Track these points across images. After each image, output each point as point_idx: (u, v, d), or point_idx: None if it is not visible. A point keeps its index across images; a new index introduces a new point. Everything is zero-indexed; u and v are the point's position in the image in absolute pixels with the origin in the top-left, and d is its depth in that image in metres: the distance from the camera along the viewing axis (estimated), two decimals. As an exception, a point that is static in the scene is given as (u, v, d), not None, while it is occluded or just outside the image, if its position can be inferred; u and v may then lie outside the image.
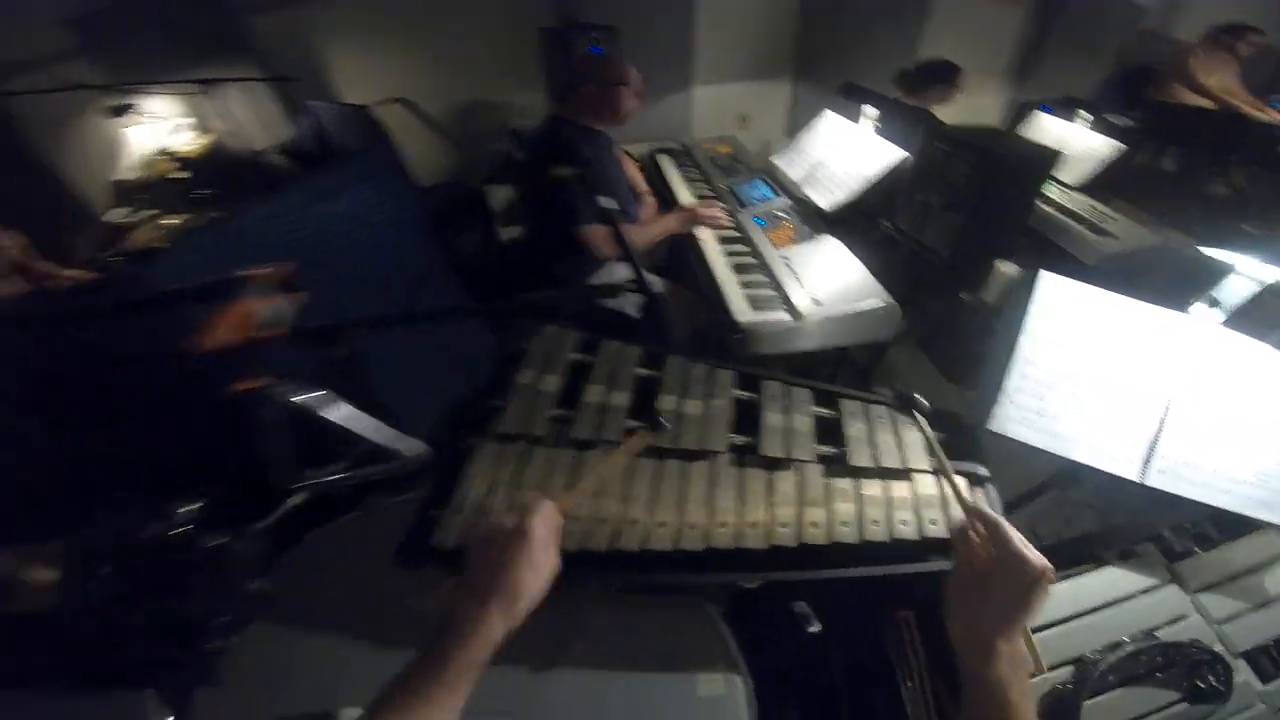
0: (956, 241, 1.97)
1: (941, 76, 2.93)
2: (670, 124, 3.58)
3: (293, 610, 1.03)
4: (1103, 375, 1.10)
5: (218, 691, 0.91)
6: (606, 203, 1.14)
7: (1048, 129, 3.18)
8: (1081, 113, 3.20)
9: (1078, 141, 3.02)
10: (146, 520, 0.91)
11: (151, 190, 3.01)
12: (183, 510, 0.92)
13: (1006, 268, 2.01)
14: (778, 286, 1.96)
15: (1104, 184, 2.92)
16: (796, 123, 3.93)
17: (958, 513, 0.95)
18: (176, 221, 2.85)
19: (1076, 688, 0.98)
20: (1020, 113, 3.92)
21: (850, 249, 2.13)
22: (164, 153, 2.97)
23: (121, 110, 2.95)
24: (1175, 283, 2.10)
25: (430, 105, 3.55)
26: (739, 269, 2.07)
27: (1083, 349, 1.11)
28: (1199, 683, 1.03)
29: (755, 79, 3.82)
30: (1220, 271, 1.19)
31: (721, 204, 2.44)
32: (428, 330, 1.70)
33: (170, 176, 2.97)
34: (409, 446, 0.90)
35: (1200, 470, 1.08)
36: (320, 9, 3.14)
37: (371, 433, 0.92)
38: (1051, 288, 1.14)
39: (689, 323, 2.22)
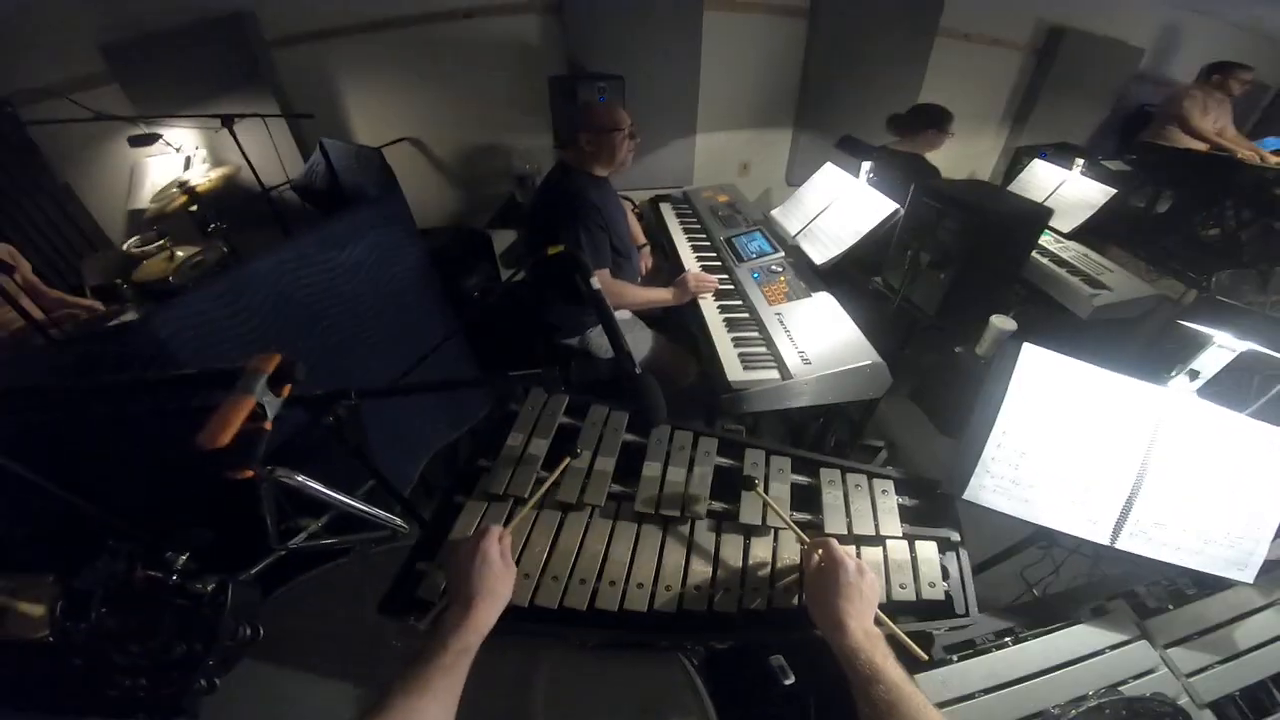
0: (943, 301, 2.00)
1: (932, 120, 2.90)
2: (674, 171, 3.68)
3: (282, 652, 1.08)
4: (1080, 444, 1.13)
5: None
6: (596, 283, 1.19)
7: (1042, 175, 3.21)
8: (1078, 160, 3.21)
9: (1073, 188, 3.03)
10: (138, 565, 0.92)
11: (163, 222, 3.03)
12: (174, 557, 0.94)
13: (1000, 320, 2.04)
14: (769, 343, 1.99)
15: (1098, 230, 2.93)
16: (796, 170, 4.04)
17: (926, 574, 1.03)
18: (182, 255, 2.91)
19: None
20: (1017, 159, 4.01)
21: (844, 303, 2.15)
22: (180, 185, 2.99)
23: (145, 140, 2.93)
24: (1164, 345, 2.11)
25: (438, 147, 3.65)
26: (731, 324, 2.11)
27: (1060, 419, 1.14)
28: (1159, 734, 1.03)
29: (757, 127, 3.91)
30: (1200, 344, 1.22)
31: (713, 269, 2.48)
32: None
33: (181, 209, 2.94)
34: (389, 521, 0.95)
35: (1171, 532, 1.12)
36: (339, 46, 3.25)
37: (354, 509, 0.96)
38: (1033, 361, 1.16)
39: (680, 381, 2.25)
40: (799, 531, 1.03)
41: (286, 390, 0.75)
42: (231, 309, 1.53)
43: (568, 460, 1.12)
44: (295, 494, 0.92)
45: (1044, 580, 1.71)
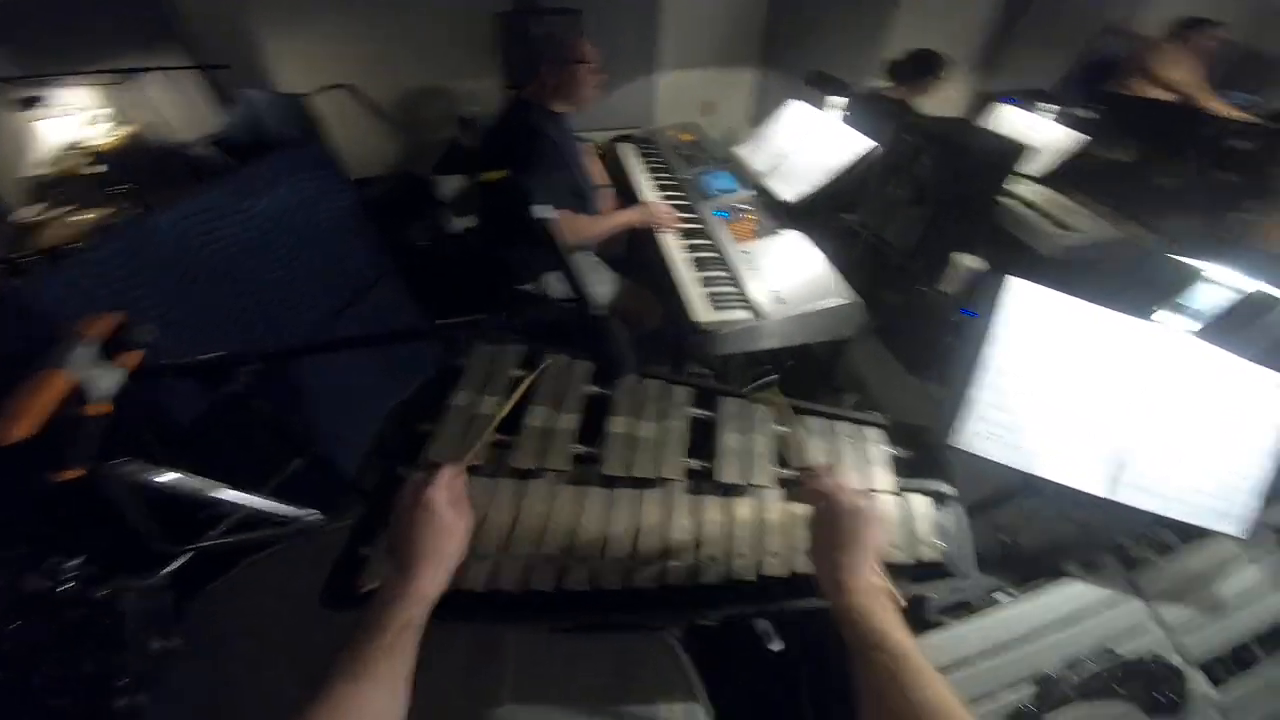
0: (920, 238, 1.92)
1: (932, 68, 2.85)
2: (634, 111, 3.47)
3: (223, 651, 0.95)
4: (1072, 387, 1.05)
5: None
6: (541, 211, 1.04)
7: (1010, 121, 3.14)
8: (1043, 105, 3.18)
9: (1040, 133, 2.99)
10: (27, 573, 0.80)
11: (65, 186, 2.82)
12: (66, 564, 0.80)
13: (966, 259, 1.98)
14: (739, 283, 1.88)
15: (1065, 176, 2.91)
16: (761, 109, 3.87)
17: (922, 532, 0.95)
18: (90, 217, 2.69)
19: (1039, 706, 0.96)
20: (983, 104, 3.93)
21: (813, 241, 2.06)
22: (76, 146, 2.74)
23: (30, 103, 2.71)
24: (1138, 283, 2.09)
25: (375, 92, 3.35)
26: (699, 264, 1.99)
27: (1051, 359, 1.06)
28: (1156, 695, 1.01)
29: (721, 66, 3.71)
30: (1188, 277, 1.15)
31: (678, 209, 2.34)
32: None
33: (84, 171, 2.78)
34: (292, 511, 0.80)
35: (1167, 484, 1.05)
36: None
37: (240, 502, 0.81)
38: (1019, 295, 1.07)
39: (645, 323, 2.14)
40: (803, 464, 0.92)
41: (132, 359, 0.58)
42: (130, 268, 1.35)
43: (546, 363, 1.02)
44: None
45: (1014, 527, 1.68)
